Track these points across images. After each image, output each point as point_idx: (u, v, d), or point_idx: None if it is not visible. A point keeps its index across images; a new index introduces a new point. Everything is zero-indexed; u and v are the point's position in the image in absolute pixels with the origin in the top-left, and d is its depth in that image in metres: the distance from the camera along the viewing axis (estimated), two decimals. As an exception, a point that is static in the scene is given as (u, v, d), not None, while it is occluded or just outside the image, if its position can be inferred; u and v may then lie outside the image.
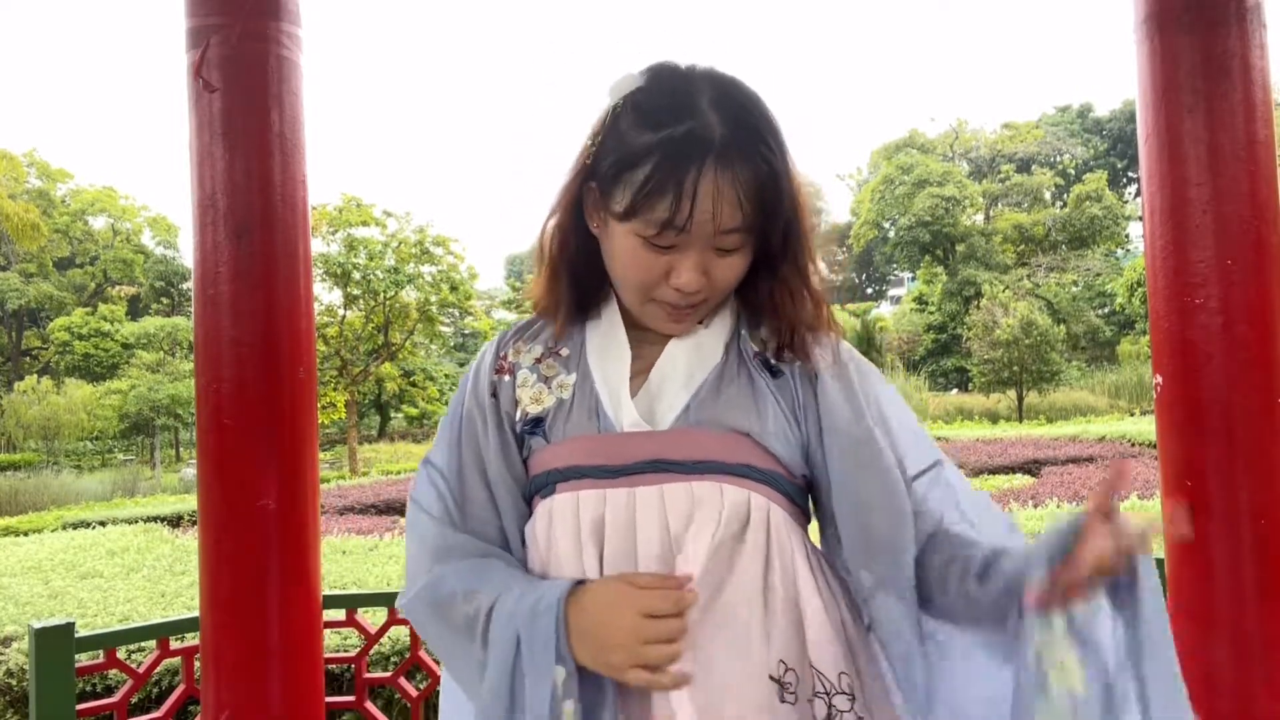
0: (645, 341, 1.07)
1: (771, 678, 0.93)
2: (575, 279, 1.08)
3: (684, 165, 0.92)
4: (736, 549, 0.97)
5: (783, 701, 0.93)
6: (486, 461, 1.06)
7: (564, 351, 1.09)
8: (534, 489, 1.06)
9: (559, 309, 1.10)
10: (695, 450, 1.00)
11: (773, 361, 1.06)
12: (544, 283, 1.10)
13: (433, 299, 18.09)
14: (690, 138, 0.92)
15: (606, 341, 1.08)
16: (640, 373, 1.05)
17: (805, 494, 1.07)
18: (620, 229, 0.98)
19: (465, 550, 1.03)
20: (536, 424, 1.06)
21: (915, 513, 1.01)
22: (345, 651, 2.76)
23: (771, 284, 1.05)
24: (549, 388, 1.07)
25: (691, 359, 1.05)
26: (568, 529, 1.00)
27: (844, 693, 0.96)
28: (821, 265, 1.07)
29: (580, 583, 0.94)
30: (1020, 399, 22.06)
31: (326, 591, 2.10)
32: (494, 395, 1.09)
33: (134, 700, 2.20)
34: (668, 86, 0.99)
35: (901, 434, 1.06)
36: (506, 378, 1.10)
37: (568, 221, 1.06)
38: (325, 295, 17.51)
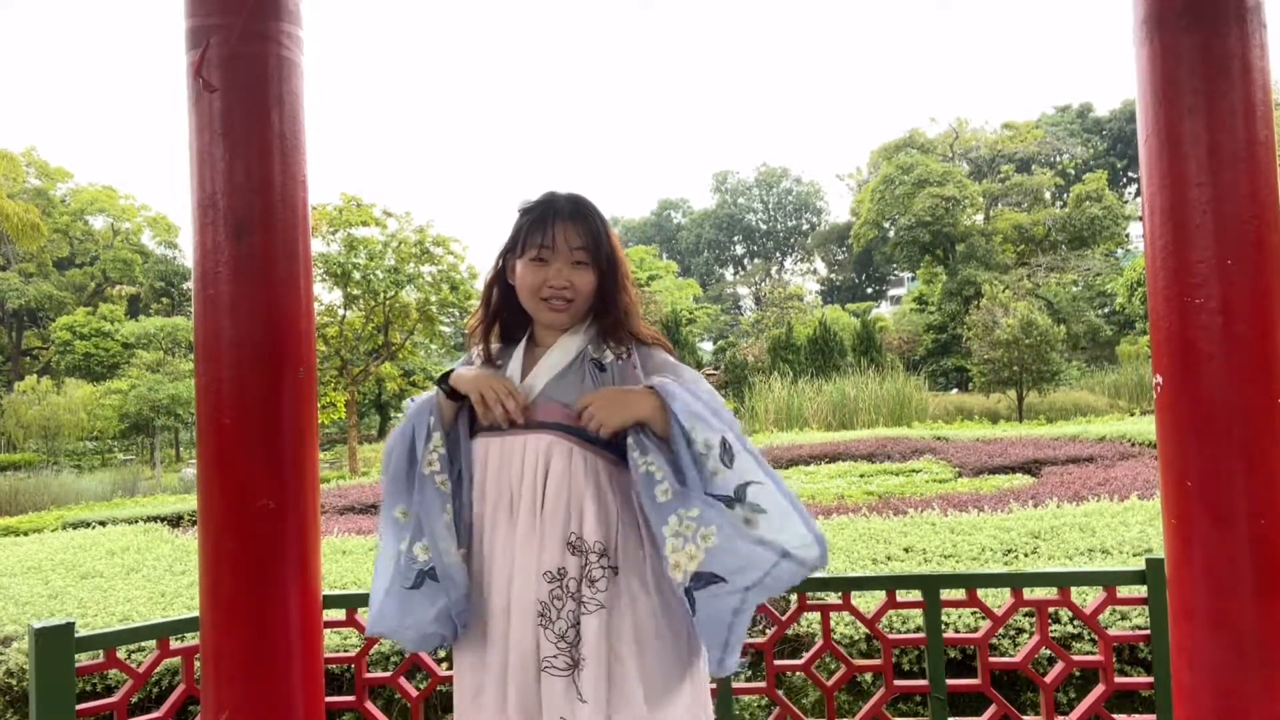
0: (536, 355, 1.81)
1: (567, 541, 1.65)
2: (503, 319, 1.88)
3: (547, 219, 1.74)
4: (551, 471, 1.68)
5: (573, 555, 1.64)
6: None
7: (498, 362, 1.86)
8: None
9: (488, 338, 1.88)
10: (535, 414, 1.72)
11: (601, 361, 1.76)
12: (481, 320, 1.88)
13: (433, 299, 18.05)
14: (550, 208, 1.76)
15: (517, 354, 1.83)
16: (529, 370, 1.79)
17: (610, 443, 1.69)
18: (520, 262, 1.77)
19: None
20: None
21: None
22: (345, 651, 2.75)
23: (607, 303, 1.78)
24: None
25: (551, 362, 1.77)
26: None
27: (595, 553, 1.64)
28: (635, 296, 1.82)
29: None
30: (1020, 399, 22.03)
31: (326, 591, 2.11)
32: None
33: (134, 700, 2.20)
34: (541, 197, 1.80)
35: (683, 373, 1.75)
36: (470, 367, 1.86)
37: (496, 282, 1.86)
38: (325, 295, 17.47)
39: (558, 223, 1.72)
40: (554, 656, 1.60)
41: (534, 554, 1.64)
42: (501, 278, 1.85)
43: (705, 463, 1.60)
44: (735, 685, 2.38)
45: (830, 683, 2.37)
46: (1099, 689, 2.28)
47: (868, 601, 3.07)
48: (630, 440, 1.64)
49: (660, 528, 1.58)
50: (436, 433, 1.73)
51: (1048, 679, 2.33)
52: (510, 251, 1.80)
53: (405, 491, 1.74)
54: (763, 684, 2.35)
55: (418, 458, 1.72)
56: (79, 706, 1.98)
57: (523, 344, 1.84)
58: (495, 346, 1.89)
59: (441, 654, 3.20)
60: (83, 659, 2.04)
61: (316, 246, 16.83)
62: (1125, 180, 48.35)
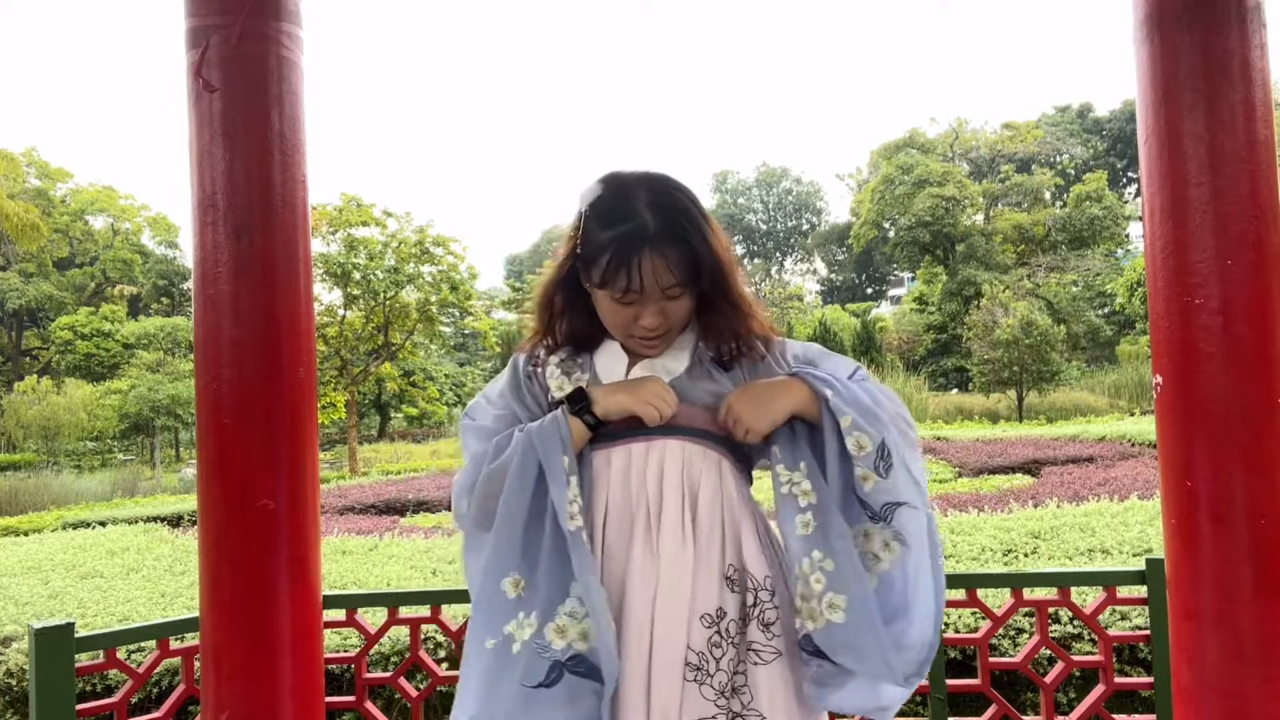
0: (635, 359, 1.51)
1: (725, 575, 1.38)
2: (573, 322, 1.51)
3: (630, 254, 1.33)
4: (703, 488, 1.41)
5: (732, 592, 1.38)
6: (522, 409, 1.52)
7: (579, 359, 1.53)
8: None
9: (558, 341, 1.53)
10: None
11: (724, 360, 1.48)
12: (541, 321, 1.53)
13: (433, 299, 18.08)
14: (633, 233, 1.33)
15: (610, 356, 1.52)
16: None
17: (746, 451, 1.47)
18: (599, 293, 1.41)
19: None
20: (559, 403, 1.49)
21: None
22: (345, 651, 2.75)
23: (714, 312, 1.46)
24: (569, 379, 1.50)
25: (671, 363, 1.48)
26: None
27: (765, 589, 1.39)
28: (748, 292, 1.47)
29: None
30: (1020, 399, 22.05)
31: (326, 591, 2.10)
32: (529, 378, 1.54)
33: (134, 700, 2.20)
34: (615, 194, 1.38)
35: (826, 364, 1.50)
36: (539, 369, 1.54)
37: (563, 285, 1.48)
38: (325, 295, 17.50)
39: (644, 261, 1.32)
40: (712, 718, 1.31)
41: (685, 592, 1.34)
42: (570, 277, 1.47)
43: (855, 465, 1.36)
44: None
45: (830, 683, 2.36)
46: (1099, 689, 2.28)
47: (868, 601, 3.07)
48: (776, 448, 1.39)
49: (794, 565, 1.36)
50: (574, 477, 1.36)
51: (1048, 679, 2.33)
52: (580, 257, 1.41)
53: (519, 553, 1.35)
54: (763, 684, 2.35)
55: (553, 511, 1.34)
56: (79, 707, 1.98)
57: (618, 348, 1.51)
58: (563, 353, 1.53)
59: (441, 654, 3.20)
60: (83, 659, 2.04)
61: (316, 246, 16.84)
62: (1125, 180, 48.34)
